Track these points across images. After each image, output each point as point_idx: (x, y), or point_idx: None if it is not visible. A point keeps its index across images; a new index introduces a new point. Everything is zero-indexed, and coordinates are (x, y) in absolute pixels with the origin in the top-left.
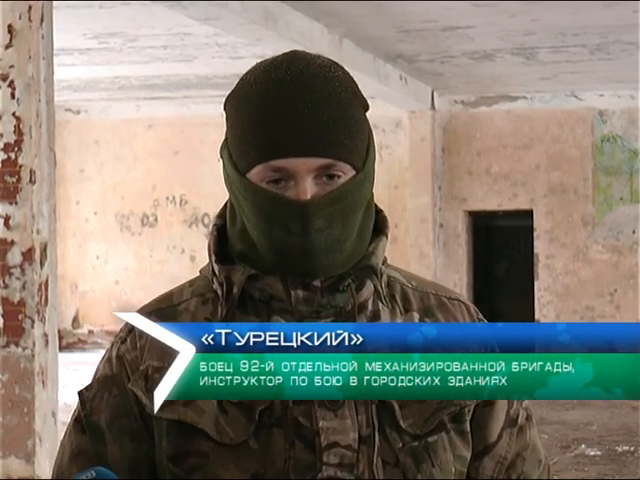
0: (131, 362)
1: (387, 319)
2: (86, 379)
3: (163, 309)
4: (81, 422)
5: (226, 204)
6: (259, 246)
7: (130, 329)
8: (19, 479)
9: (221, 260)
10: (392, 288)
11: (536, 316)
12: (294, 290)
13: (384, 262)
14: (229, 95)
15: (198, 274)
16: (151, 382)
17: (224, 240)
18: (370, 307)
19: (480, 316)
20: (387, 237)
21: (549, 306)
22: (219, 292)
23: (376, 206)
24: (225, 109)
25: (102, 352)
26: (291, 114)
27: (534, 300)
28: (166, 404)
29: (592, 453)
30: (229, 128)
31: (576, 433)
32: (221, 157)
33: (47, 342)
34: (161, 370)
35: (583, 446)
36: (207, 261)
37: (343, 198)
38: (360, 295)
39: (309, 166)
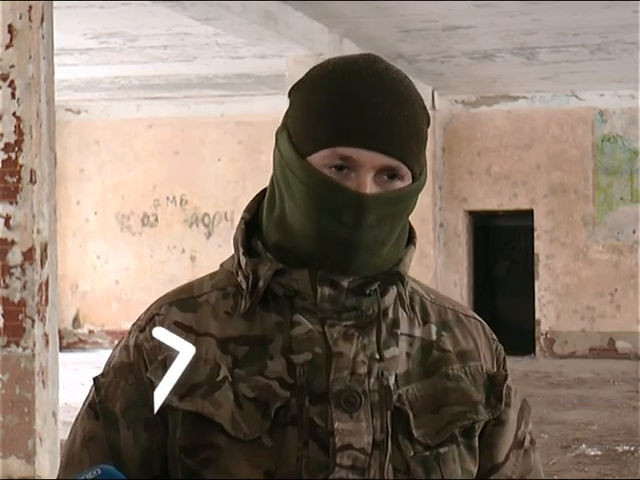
0: (149, 351)
1: (406, 328)
2: (86, 379)
3: (184, 300)
4: (95, 408)
5: (255, 199)
6: (301, 234)
7: (150, 318)
8: (19, 479)
9: (248, 254)
10: (412, 299)
11: (536, 316)
12: (321, 287)
13: None
14: (298, 81)
15: (200, 273)
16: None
17: (249, 235)
18: (391, 315)
19: (494, 336)
20: (415, 247)
21: (549, 306)
22: (243, 285)
23: None
24: (291, 94)
25: (102, 352)
26: (368, 107)
27: (534, 300)
28: (185, 395)
29: (592, 453)
30: (295, 111)
31: (576, 433)
32: (276, 139)
33: (47, 342)
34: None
35: (583, 446)
36: (208, 261)
37: (399, 201)
38: (382, 301)
39: (374, 162)
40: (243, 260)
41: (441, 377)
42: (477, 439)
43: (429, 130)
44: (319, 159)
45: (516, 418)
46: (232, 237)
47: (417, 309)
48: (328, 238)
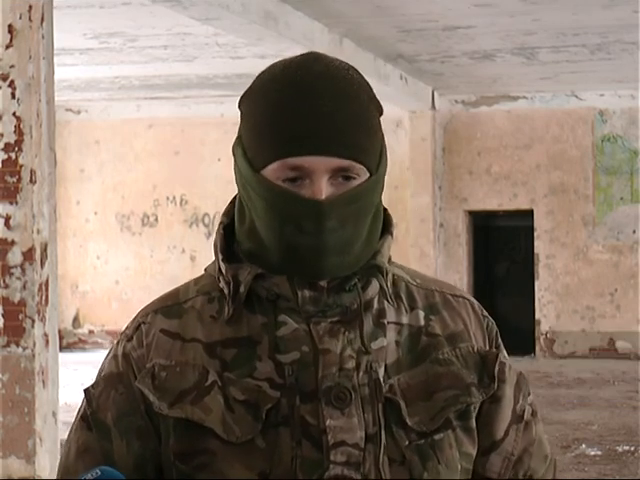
0: (137, 360)
1: (392, 317)
2: (86, 379)
3: (169, 307)
4: (87, 419)
5: (233, 202)
6: (268, 245)
7: (137, 327)
8: (19, 479)
9: (228, 259)
10: (397, 286)
11: (536, 316)
12: (301, 290)
13: (389, 260)
14: (245, 93)
15: (200, 273)
16: (158, 380)
17: (231, 238)
18: (376, 305)
19: (485, 313)
20: (392, 235)
21: (549, 306)
22: (225, 291)
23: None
24: (240, 106)
25: (102, 352)
26: (310, 113)
27: (534, 300)
28: (174, 402)
29: (592, 453)
30: (245, 124)
31: (576, 433)
32: (233, 154)
33: (47, 342)
34: (167, 368)
35: (583, 446)
36: (207, 261)
37: (357, 199)
38: (366, 294)
39: (326, 166)
40: (223, 266)
41: (432, 363)
42: (474, 420)
43: (429, 130)
44: (271, 172)
45: (512, 393)
46: (212, 242)
47: (403, 296)
48: (294, 248)
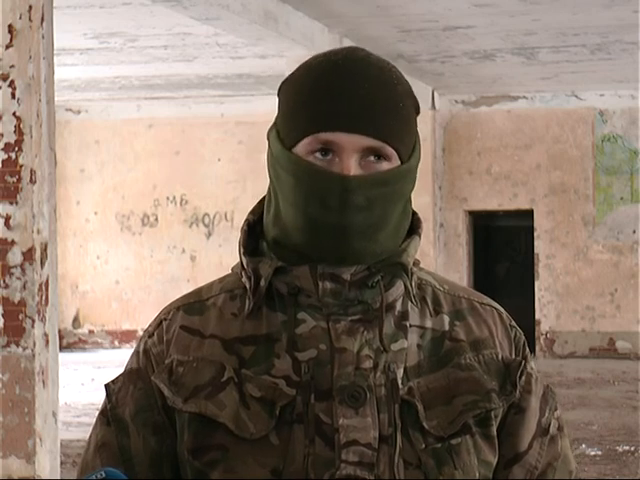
0: (157, 356)
1: (416, 320)
2: (86, 379)
3: (191, 304)
4: (106, 415)
5: (261, 202)
6: (292, 227)
7: (158, 323)
8: (19, 479)
9: (250, 254)
10: (423, 290)
11: (536, 316)
12: (322, 281)
13: (416, 264)
14: (283, 80)
15: (200, 273)
16: (175, 375)
17: (255, 236)
18: (399, 307)
19: (513, 323)
20: (420, 237)
21: (549, 306)
22: (247, 285)
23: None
24: (279, 92)
25: (102, 352)
26: (345, 92)
27: (534, 300)
28: (188, 397)
29: (592, 453)
30: (281, 108)
31: (577, 433)
32: (268, 139)
33: (47, 342)
34: (185, 363)
35: (583, 446)
36: (208, 261)
37: (386, 183)
38: (390, 294)
39: (356, 144)
40: (244, 260)
41: (454, 367)
42: (495, 428)
43: (429, 130)
44: (303, 147)
45: (538, 405)
46: (237, 238)
47: (429, 300)
48: (318, 225)
